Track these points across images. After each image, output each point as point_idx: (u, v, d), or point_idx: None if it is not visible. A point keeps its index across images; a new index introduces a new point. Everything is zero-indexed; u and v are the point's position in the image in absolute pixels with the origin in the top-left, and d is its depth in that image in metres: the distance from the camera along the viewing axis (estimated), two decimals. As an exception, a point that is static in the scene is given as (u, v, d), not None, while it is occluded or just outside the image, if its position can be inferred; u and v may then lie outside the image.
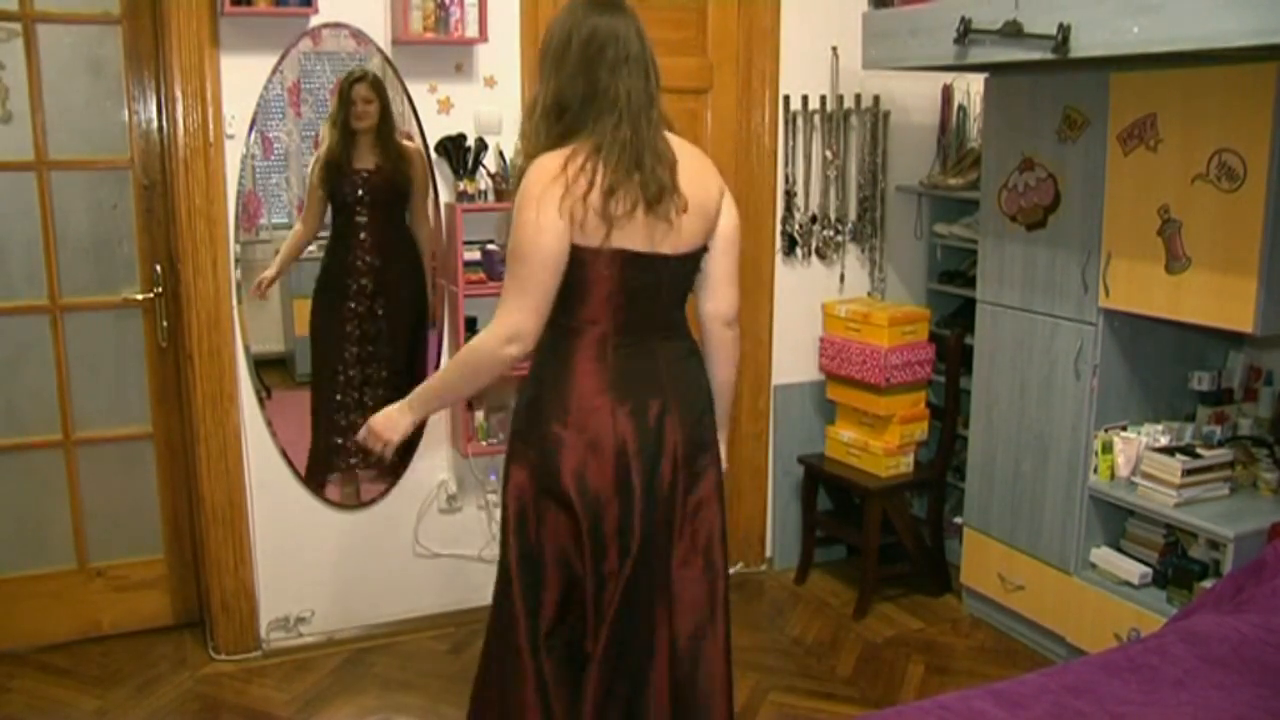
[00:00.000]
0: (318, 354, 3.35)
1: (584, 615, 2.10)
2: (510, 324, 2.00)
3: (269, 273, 3.23)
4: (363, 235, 3.27)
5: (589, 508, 2.05)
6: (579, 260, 2.00)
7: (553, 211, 1.94)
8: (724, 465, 2.28)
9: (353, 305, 3.30)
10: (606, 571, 2.07)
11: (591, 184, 1.94)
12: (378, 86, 3.16)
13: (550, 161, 1.98)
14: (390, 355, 3.37)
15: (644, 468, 2.06)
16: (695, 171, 2.08)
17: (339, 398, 3.35)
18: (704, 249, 2.12)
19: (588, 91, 1.98)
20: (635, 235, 1.99)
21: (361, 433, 2.20)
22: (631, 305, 2.05)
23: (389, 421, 2.15)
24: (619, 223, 1.96)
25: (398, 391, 3.31)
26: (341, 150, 3.19)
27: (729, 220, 2.13)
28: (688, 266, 2.11)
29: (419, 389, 2.18)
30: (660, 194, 1.99)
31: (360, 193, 3.23)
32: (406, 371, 3.37)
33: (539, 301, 1.99)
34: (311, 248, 3.33)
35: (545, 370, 2.12)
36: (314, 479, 3.31)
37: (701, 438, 2.16)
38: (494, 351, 2.02)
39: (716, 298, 2.16)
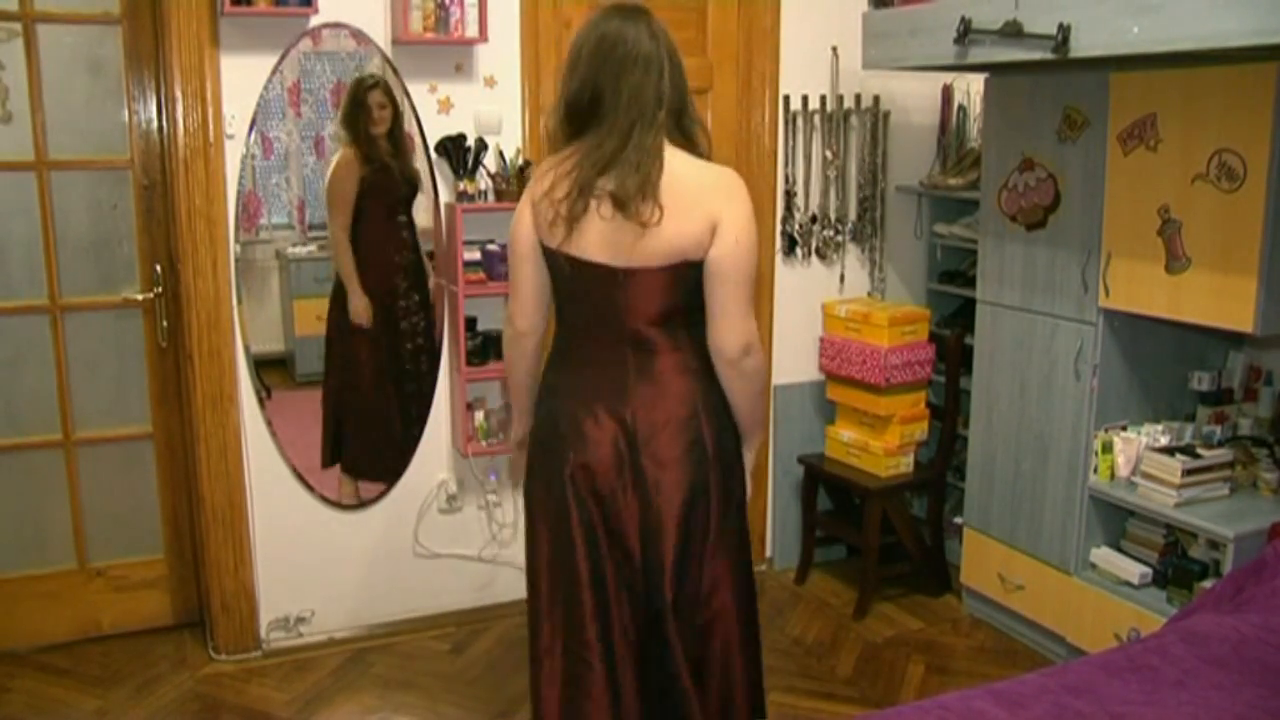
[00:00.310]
0: (370, 354, 3.37)
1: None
2: (509, 308, 2.21)
3: (363, 300, 3.26)
4: (405, 234, 3.33)
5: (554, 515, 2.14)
6: (549, 262, 2.10)
7: (526, 209, 2.08)
8: (749, 488, 2.24)
9: (404, 304, 3.35)
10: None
11: (571, 186, 1.98)
12: (388, 92, 3.18)
13: (546, 163, 2.08)
14: (428, 347, 3.40)
15: (601, 485, 2.07)
16: (691, 190, 1.98)
17: (409, 389, 3.40)
18: (680, 269, 2.02)
19: (595, 93, 1.99)
20: (592, 242, 2.00)
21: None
22: (596, 313, 2.07)
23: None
24: (578, 225, 1.99)
25: (432, 383, 3.37)
26: (371, 153, 3.22)
27: (720, 249, 1.98)
28: (655, 283, 2.02)
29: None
30: (623, 200, 1.95)
31: (403, 192, 3.29)
32: (434, 369, 3.39)
33: (525, 292, 2.15)
34: (310, 248, 3.34)
35: (545, 371, 2.22)
36: (361, 473, 3.40)
37: (670, 458, 2.06)
38: (506, 337, 2.26)
39: (714, 332, 2.05)
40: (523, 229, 2.09)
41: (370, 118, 3.18)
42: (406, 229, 3.34)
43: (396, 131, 3.23)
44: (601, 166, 1.96)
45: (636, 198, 1.94)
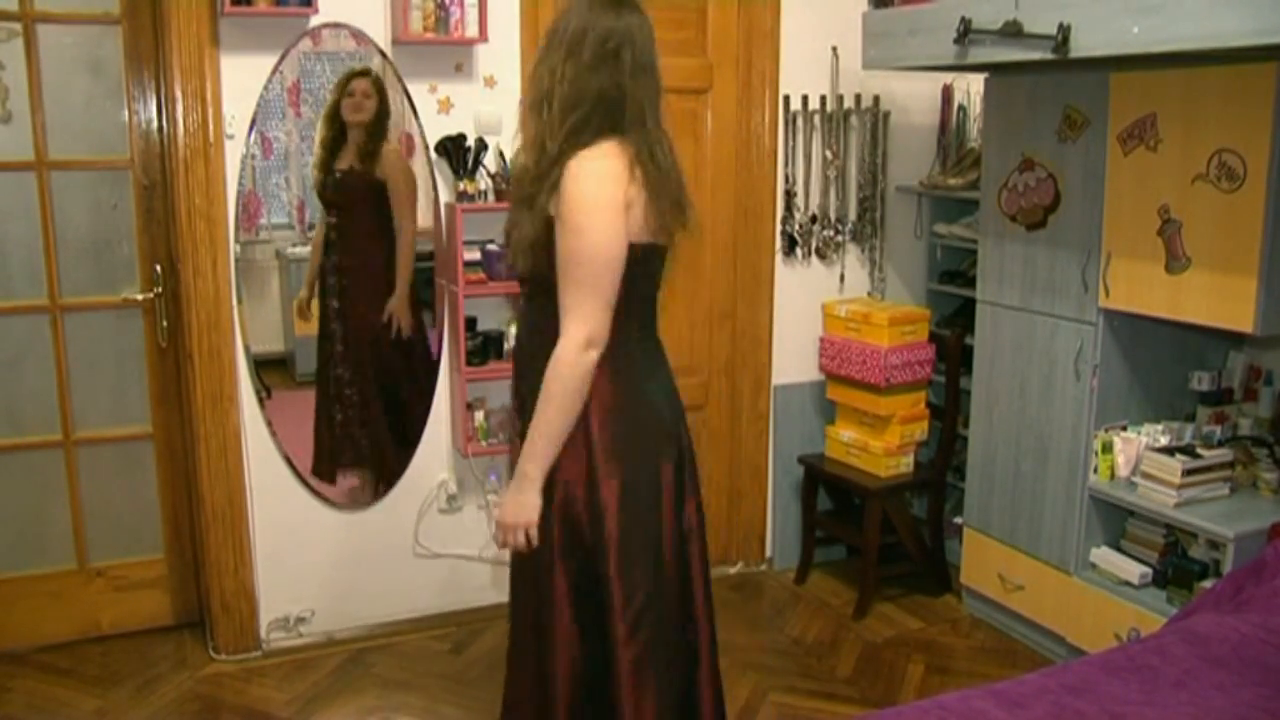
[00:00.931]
0: (318, 353, 3.37)
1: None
2: (588, 329, 1.96)
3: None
4: (334, 235, 3.28)
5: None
6: (642, 258, 2.03)
7: (623, 209, 1.95)
8: None
9: (336, 304, 3.31)
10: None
11: (645, 188, 1.99)
12: (379, 86, 3.16)
13: (613, 165, 1.96)
14: (356, 358, 3.35)
15: (682, 456, 2.17)
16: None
17: (333, 393, 3.37)
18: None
19: (611, 93, 1.97)
20: (655, 230, 2.05)
21: (498, 536, 2.09)
22: (652, 298, 2.14)
23: (518, 507, 2.03)
24: (661, 220, 2.03)
25: (369, 393, 3.33)
26: (329, 149, 3.20)
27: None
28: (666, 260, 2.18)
29: (523, 457, 2.02)
30: (684, 193, 2.08)
31: (331, 193, 3.24)
32: (379, 377, 3.39)
33: (610, 303, 1.98)
34: (310, 248, 3.33)
35: (623, 376, 2.08)
36: (320, 476, 3.34)
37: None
38: (579, 362, 1.97)
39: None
40: (623, 239, 1.96)
41: (349, 103, 3.14)
42: (335, 229, 3.27)
43: (376, 130, 3.19)
44: (664, 166, 2.03)
45: (685, 190, 2.13)
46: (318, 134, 3.20)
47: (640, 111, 1.99)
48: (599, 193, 1.94)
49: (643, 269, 2.03)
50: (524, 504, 2.02)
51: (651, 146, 2.00)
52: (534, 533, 2.04)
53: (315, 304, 3.31)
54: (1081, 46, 2.51)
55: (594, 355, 1.97)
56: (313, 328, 3.32)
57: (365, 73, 3.16)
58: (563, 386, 1.97)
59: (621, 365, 2.04)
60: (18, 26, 3.01)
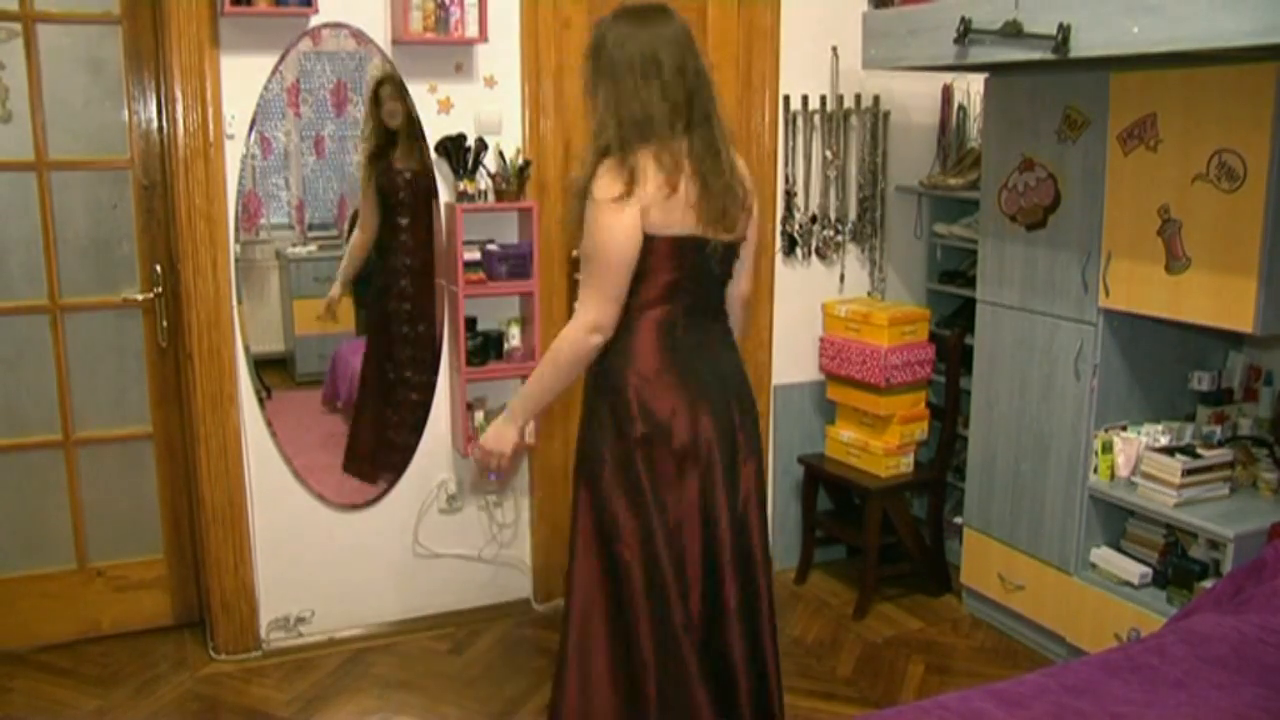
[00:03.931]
0: (365, 357, 3.40)
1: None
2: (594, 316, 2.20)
3: (335, 292, 3.32)
4: (404, 237, 3.31)
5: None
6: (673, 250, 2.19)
7: (635, 213, 2.11)
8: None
9: (393, 307, 3.36)
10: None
11: (664, 187, 2.13)
12: (400, 88, 3.17)
13: (627, 171, 2.13)
14: (428, 358, 3.37)
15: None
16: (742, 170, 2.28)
17: (396, 396, 3.41)
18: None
19: (637, 113, 2.13)
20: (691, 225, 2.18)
21: (475, 454, 2.37)
22: (686, 287, 2.24)
23: (497, 437, 2.30)
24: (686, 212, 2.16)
25: (431, 393, 3.35)
26: (383, 148, 3.24)
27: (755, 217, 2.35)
28: (732, 253, 2.29)
29: (516, 399, 2.32)
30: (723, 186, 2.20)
31: (402, 194, 3.28)
32: (433, 375, 3.38)
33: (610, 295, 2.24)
34: (310, 248, 3.34)
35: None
36: (367, 476, 3.38)
37: (734, 426, 2.29)
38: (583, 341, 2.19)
39: (744, 281, 2.40)
40: (632, 232, 2.13)
41: (384, 110, 3.20)
42: (406, 232, 3.32)
43: (413, 130, 3.21)
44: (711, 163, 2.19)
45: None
46: (369, 137, 3.24)
47: (667, 117, 2.12)
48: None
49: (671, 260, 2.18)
50: (502, 436, 2.30)
51: (673, 148, 2.13)
52: (504, 464, 2.31)
53: (305, 304, 3.34)
54: (1081, 46, 2.51)
55: (599, 340, 2.20)
56: (333, 327, 3.34)
57: (386, 79, 3.18)
58: (559, 357, 2.21)
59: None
60: (18, 26, 3.01)
